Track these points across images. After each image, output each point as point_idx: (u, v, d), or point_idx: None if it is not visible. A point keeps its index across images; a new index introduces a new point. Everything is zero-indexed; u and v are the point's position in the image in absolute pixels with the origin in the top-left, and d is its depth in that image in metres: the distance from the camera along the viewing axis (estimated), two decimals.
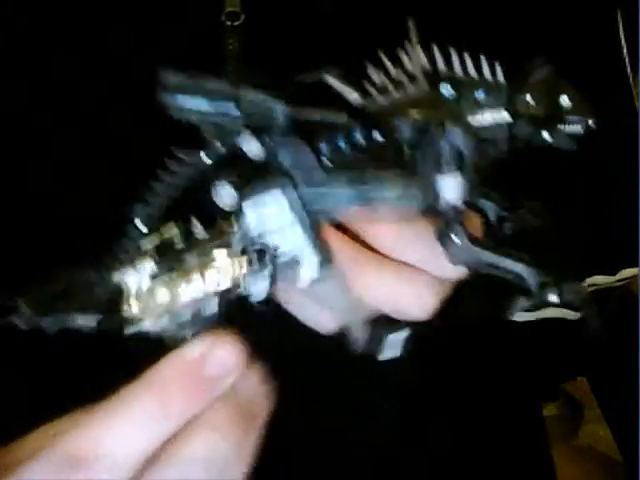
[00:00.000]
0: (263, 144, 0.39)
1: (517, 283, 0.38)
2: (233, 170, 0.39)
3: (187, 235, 0.38)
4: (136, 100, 0.44)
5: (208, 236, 0.37)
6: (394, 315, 0.39)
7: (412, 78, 0.40)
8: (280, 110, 0.38)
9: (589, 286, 0.61)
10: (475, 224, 0.42)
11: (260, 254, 0.36)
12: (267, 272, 0.36)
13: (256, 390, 0.34)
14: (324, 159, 0.40)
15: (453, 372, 0.58)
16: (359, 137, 0.40)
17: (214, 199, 0.39)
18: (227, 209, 0.39)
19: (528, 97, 0.39)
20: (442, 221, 0.38)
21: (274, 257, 0.36)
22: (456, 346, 0.43)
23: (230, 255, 0.36)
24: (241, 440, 0.32)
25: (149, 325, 0.35)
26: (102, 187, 0.52)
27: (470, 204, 0.42)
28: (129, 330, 0.35)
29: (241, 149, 0.39)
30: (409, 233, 0.39)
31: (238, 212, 0.39)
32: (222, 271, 0.35)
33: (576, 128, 0.39)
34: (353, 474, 0.59)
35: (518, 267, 0.38)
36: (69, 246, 0.51)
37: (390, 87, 0.40)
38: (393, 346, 0.38)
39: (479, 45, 0.39)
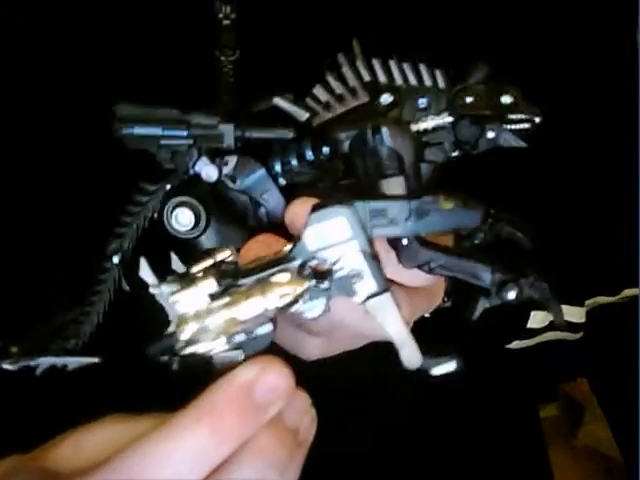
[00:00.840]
0: (219, 167, 0.41)
1: (475, 284, 0.38)
2: (190, 194, 0.40)
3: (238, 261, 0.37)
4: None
5: (262, 260, 0.36)
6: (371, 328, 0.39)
7: (353, 92, 0.41)
8: (229, 131, 0.40)
9: (592, 305, 0.62)
10: (445, 235, 0.42)
11: (317, 270, 0.36)
12: (324, 287, 0.36)
13: (302, 415, 0.34)
14: (278, 177, 0.42)
15: (452, 375, 0.59)
16: (309, 153, 0.42)
17: (170, 223, 0.40)
18: (182, 233, 0.41)
19: (469, 99, 0.40)
20: None
21: (331, 271, 0.36)
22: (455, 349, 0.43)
23: (290, 274, 0.35)
24: (287, 465, 0.32)
25: (204, 347, 0.35)
26: (76, 227, 0.53)
27: None
28: (184, 351, 0.35)
29: (198, 174, 0.41)
30: (379, 245, 0.39)
31: (195, 236, 0.40)
32: (282, 291, 0.35)
33: (522, 126, 0.40)
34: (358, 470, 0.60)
35: (473, 267, 0.38)
36: (51, 288, 0.51)
37: (333, 102, 0.42)
38: (445, 366, 0.38)
39: (421, 54, 0.41)
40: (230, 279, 0.35)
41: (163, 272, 0.39)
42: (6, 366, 0.39)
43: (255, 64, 0.53)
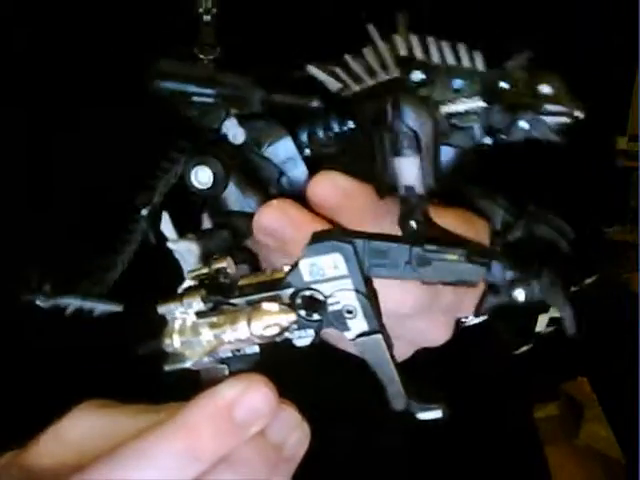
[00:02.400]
0: (246, 130, 0.40)
1: (485, 279, 0.36)
2: (212, 153, 0.40)
3: (236, 273, 0.37)
4: (136, 98, 0.45)
5: (258, 278, 0.36)
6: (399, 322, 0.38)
7: (385, 66, 0.39)
8: (257, 94, 0.39)
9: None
10: (481, 229, 0.41)
11: (309, 301, 0.35)
12: (315, 320, 0.35)
13: (290, 431, 0.33)
14: (304, 147, 0.41)
15: (451, 373, 0.59)
16: (335, 125, 0.41)
17: (191, 180, 0.40)
18: (201, 191, 0.40)
19: (505, 84, 0.38)
20: (403, 207, 0.37)
21: (324, 305, 0.35)
22: (453, 348, 0.43)
23: (280, 304, 0.35)
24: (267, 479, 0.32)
25: (190, 363, 0.35)
26: (111, 176, 0.53)
27: (477, 209, 0.42)
28: (170, 367, 0.35)
29: (225, 134, 0.40)
30: (385, 217, 0.38)
31: (213, 195, 0.40)
32: (270, 320, 0.34)
33: (558, 119, 0.38)
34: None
35: (484, 261, 0.36)
36: (86, 231, 0.51)
37: (364, 75, 0.40)
38: (432, 412, 0.37)
39: (462, 33, 0.38)
40: (220, 296, 0.35)
41: (191, 229, 0.39)
42: (39, 303, 0.41)
43: (236, 63, 0.52)
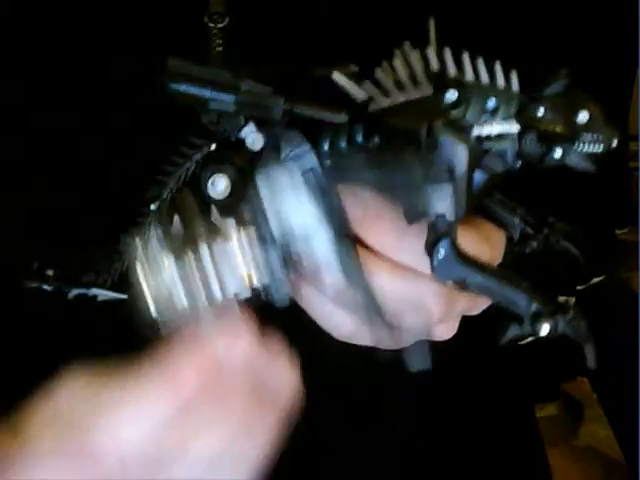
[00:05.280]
0: (265, 137, 0.39)
1: (509, 309, 0.36)
2: (231, 161, 0.39)
3: (199, 203, 0.37)
4: (137, 92, 0.45)
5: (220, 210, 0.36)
6: (403, 318, 0.38)
7: (416, 82, 0.38)
8: (278, 104, 0.38)
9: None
10: (498, 239, 0.40)
11: (271, 229, 0.35)
12: (277, 247, 0.35)
13: (279, 379, 0.33)
14: (324, 157, 0.40)
15: (451, 374, 0.59)
16: (359, 137, 0.40)
17: (207, 188, 0.39)
18: (216, 200, 0.39)
19: (542, 111, 0.37)
20: (431, 233, 0.36)
21: (286, 232, 0.35)
22: (453, 348, 0.43)
23: (239, 224, 0.34)
24: (257, 429, 0.32)
25: (154, 293, 0.35)
26: (120, 169, 0.52)
27: (495, 218, 0.41)
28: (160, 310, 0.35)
29: (243, 139, 0.39)
30: (411, 236, 0.38)
31: (230, 203, 0.39)
32: (230, 241, 0.34)
33: (594, 147, 0.37)
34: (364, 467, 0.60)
35: (511, 293, 0.36)
36: (91, 223, 0.52)
37: (393, 90, 0.39)
38: (421, 356, 0.37)
39: (498, 51, 0.37)
40: (181, 225, 0.36)
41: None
42: (45, 287, 0.42)
43: (245, 33, 0.52)
